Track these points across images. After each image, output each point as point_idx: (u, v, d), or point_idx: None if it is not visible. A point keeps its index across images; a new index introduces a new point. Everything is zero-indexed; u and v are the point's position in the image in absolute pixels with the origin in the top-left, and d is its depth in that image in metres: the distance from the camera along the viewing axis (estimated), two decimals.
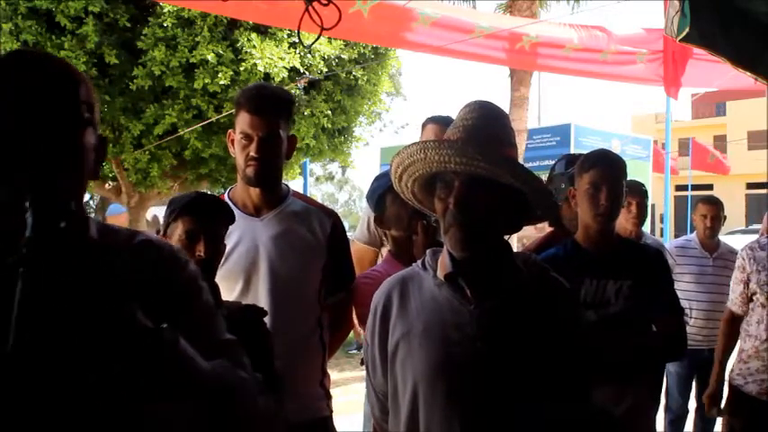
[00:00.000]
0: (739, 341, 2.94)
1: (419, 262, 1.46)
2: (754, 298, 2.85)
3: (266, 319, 1.92)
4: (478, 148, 1.25)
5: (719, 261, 3.76)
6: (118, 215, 6.98)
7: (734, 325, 2.98)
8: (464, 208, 1.26)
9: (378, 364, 1.43)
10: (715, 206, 3.88)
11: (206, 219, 1.67)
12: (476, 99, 1.39)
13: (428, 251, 1.45)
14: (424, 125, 2.76)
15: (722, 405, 3.05)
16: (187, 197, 1.72)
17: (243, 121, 1.91)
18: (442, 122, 2.72)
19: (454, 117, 1.39)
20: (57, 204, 0.82)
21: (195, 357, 0.90)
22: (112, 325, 0.81)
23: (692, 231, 4.13)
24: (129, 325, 0.82)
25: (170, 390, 0.88)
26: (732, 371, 2.94)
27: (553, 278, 1.41)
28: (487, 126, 1.33)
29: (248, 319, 1.71)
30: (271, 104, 1.93)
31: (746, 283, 2.87)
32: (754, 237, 3.22)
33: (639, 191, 3.37)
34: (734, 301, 2.96)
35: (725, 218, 3.96)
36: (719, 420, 3.22)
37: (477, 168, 1.23)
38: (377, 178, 2.16)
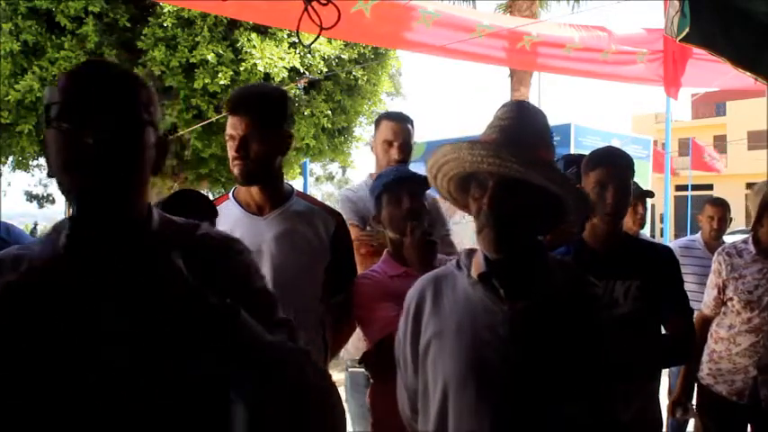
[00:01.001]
0: (710, 341, 2.94)
1: (454, 261, 1.45)
2: (729, 303, 2.84)
3: None
4: (512, 148, 1.24)
5: None
6: None
7: (706, 328, 2.98)
8: (497, 209, 1.26)
9: (409, 361, 1.44)
10: (722, 208, 3.87)
11: (189, 217, 1.68)
12: (514, 99, 1.39)
13: (463, 250, 1.44)
14: (377, 122, 2.78)
15: (693, 406, 3.06)
16: (167, 198, 1.74)
17: (228, 122, 1.94)
18: (395, 118, 2.74)
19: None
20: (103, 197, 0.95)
21: (256, 329, 0.98)
22: (176, 301, 0.92)
23: (692, 232, 4.13)
24: (193, 300, 0.92)
25: (231, 359, 0.95)
26: (701, 370, 2.95)
27: (587, 282, 1.41)
28: (523, 126, 1.32)
29: None
30: (248, 103, 1.93)
31: (721, 289, 2.86)
32: None
33: (642, 191, 3.39)
34: (707, 304, 2.95)
35: (731, 219, 3.95)
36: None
37: (510, 170, 1.23)
38: (378, 177, 2.16)
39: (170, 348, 0.96)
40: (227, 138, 1.96)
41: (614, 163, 2.02)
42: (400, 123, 2.71)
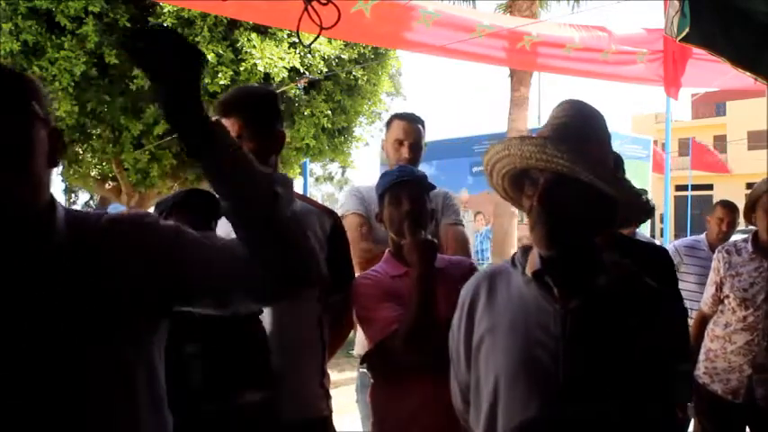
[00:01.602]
0: (706, 340, 2.96)
1: (509, 258, 1.47)
2: (725, 301, 2.87)
3: (267, 318, 1.92)
4: (560, 144, 1.25)
5: None
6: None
7: (704, 326, 3.00)
8: (547, 206, 1.27)
9: (462, 356, 1.46)
10: (733, 212, 3.89)
11: (195, 215, 1.68)
12: (569, 98, 1.39)
13: (519, 248, 1.45)
14: (389, 122, 2.81)
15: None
16: (173, 197, 1.75)
17: None
18: (406, 118, 2.76)
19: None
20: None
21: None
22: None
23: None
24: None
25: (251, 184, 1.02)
26: (698, 369, 2.96)
27: (643, 283, 1.41)
28: (577, 125, 1.33)
29: (243, 316, 1.72)
30: (238, 105, 1.94)
31: (719, 286, 2.89)
32: None
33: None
34: (705, 302, 2.98)
35: (738, 223, 3.97)
36: None
37: (558, 165, 1.24)
38: (382, 176, 2.14)
39: (78, 341, 0.99)
40: None
41: None
42: (411, 123, 2.73)
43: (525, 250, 1.42)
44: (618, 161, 2.07)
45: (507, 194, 1.44)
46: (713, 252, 3.76)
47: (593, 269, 1.35)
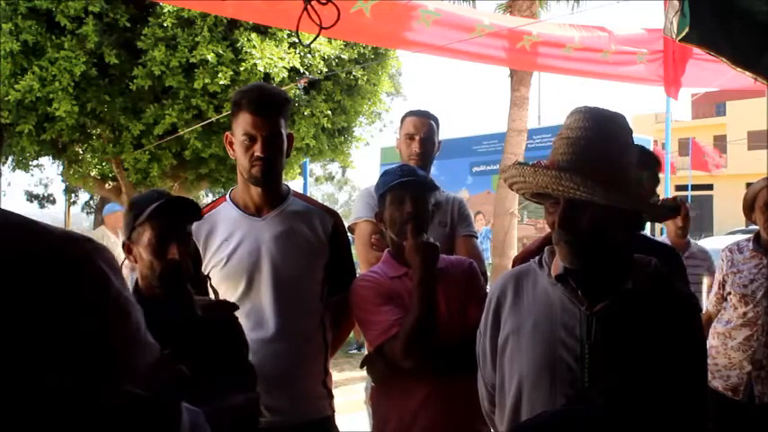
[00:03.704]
0: (709, 338, 3.00)
1: (536, 259, 1.47)
2: (728, 298, 2.93)
3: (270, 319, 1.91)
4: (576, 176, 1.25)
5: (691, 260, 3.75)
6: (113, 213, 7.00)
7: (709, 327, 3.04)
8: (567, 228, 1.29)
9: (488, 356, 1.47)
10: (684, 206, 3.91)
11: (175, 220, 1.61)
12: (584, 105, 1.38)
13: (546, 249, 1.45)
14: (403, 119, 2.82)
15: None
16: (150, 198, 1.63)
17: (245, 122, 1.91)
18: (416, 114, 2.78)
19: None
20: None
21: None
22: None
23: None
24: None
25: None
26: None
27: (673, 287, 1.41)
28: (592, 141, 1.32)
29: (220, 316, 1.71)
30: (272, 104, 1.95)
31: (722, 284, 2.96)
32: None
33: None
34: (711, 301, 3.05)
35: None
36: None
37: (575, 196, 1.25)
38: (384, 174, 2.12)
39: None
40: (242, 137, 1.93)
41: None
42: (421, 118, 2.75)
43: (552, 251, 1.42)
44: (652, 161, 2.09)
45: (532, 201, 1.46)
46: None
47: (620, 272, 1.35)
